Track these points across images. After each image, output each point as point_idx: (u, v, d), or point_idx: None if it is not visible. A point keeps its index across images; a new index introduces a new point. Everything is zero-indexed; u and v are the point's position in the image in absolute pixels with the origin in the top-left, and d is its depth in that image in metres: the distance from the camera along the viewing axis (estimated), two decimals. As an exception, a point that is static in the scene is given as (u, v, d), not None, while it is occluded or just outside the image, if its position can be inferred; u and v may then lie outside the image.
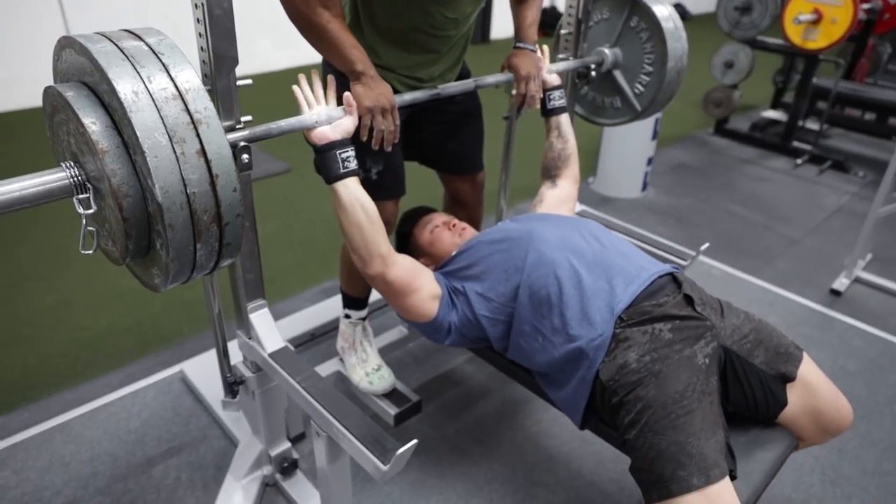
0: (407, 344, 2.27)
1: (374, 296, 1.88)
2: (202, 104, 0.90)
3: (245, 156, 1.19)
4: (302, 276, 2.74)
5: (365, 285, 1.81)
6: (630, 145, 3.58)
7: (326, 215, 3.16)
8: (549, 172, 1.74)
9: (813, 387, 1.29)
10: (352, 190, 1.27)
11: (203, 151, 0.89)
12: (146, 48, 0.90)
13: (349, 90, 1.30)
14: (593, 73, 1.92)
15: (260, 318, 1.48)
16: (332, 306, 2.34)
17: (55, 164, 0.96)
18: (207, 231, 0.93)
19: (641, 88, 1.87)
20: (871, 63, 5.56)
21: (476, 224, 1.94)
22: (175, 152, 0.86)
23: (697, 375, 1.17)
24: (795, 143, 4.55)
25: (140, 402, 2.01)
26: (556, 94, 1.71)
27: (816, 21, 4.03)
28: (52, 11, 4.50)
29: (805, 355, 1.30)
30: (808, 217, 3.65)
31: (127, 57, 0.87)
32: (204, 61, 1.18)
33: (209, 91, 1.20)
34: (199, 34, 1.15)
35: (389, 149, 1.37)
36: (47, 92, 0.92)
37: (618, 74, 1.90)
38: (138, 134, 0.83)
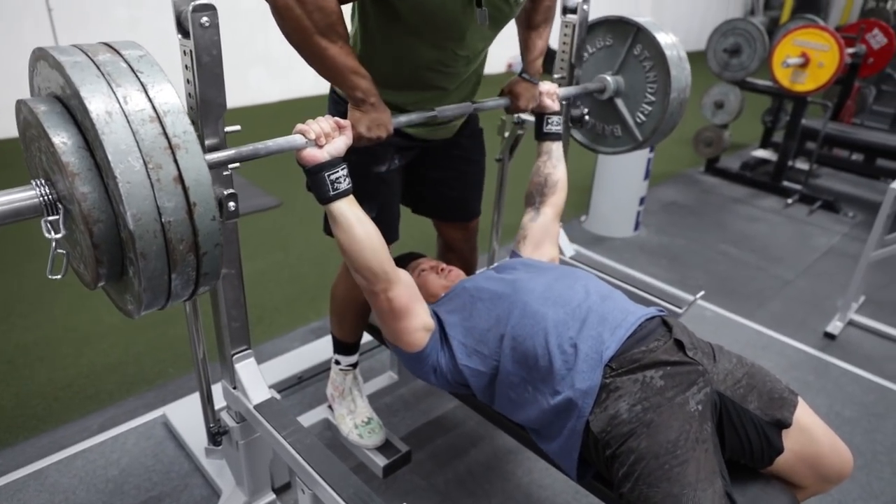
0: (397, 390, 2.22)
1: (364, 338, 1.84)
2: (181, 127, 0.85)
3: (231, 204, 1.16)
4: (290, 316, 2.69)
5: (355, 329, 1.77)
6: (622, 184, 3.59)
7: (316, 252, 3.13)
8: (533, 198, 1.69)
9: (809, 433, 1.25)
10: (344, 210, 1.23)
11: (181, 178, 0.84)
12: (124, 64, 0.85)
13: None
14: (587, 118, 1.92)
15: (245, 367, 1.44)
16: (320, 348, 2.29)
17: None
18: (184, 261, 0.88)
19: (643, 118, 1.84)
20: (857, 105, 5.66)
21: (470, 270, 1.91)
22: (150, 178, 0.81)
23: (690, 423, 1.13)
24: (785, 183, 4.59)
25: (120, 449, 1.94)
26: (555, 119, 1.69)
27: (804, 65, 4.10)
28: (43, 33, 4.50)
29: (800, 400, 1.27)
30: (799, 258, 3.66)
31: (102, 73, 0.83)
32: (192, 107, 1.16)
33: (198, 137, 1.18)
34: (188, 80, 1.14)
35: None
36: (19, 106, 0.89)
37: (619, 102, 1.86)
38: (110, 157, 0.79)
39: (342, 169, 1.22)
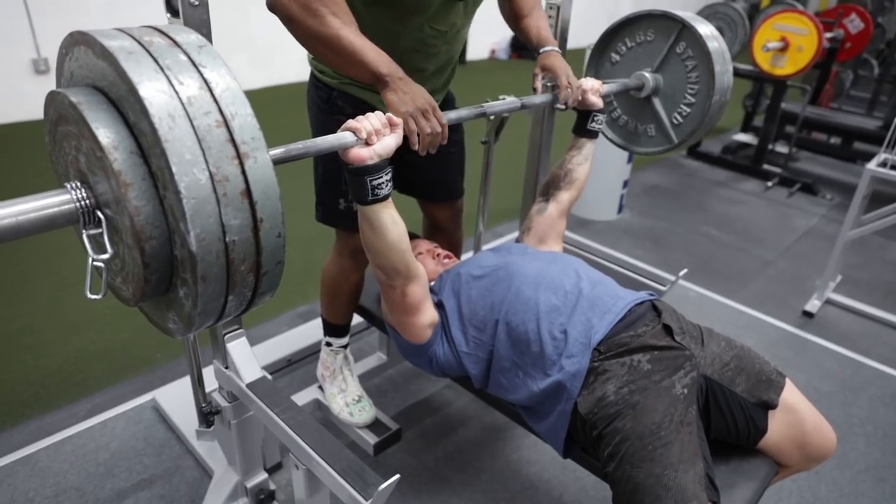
0: (386, 370, 2.24)
1: (355, 320, 1.86)
2: (249, 133, 0.73)
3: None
4: (277, 300, 2.70)
5: (346, 312, 1.79)
6: (606, 168, 3.62)
7: (302, 237, 3.13)
8: (548, 189, 1.69)
9: (796, 413, 1.29)
10: (381, 214, 1.17)
11: (248, 192, 0.73)
12: (183, 57, 0.73)
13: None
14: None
15: (237, 346, 1.44)
16: (308, 331, 2.30)
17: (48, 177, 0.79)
18: (243, 281, 0.78)
19: (680, 119, 1.73)
20: (835, 89, 5.76)
21: (456, 248, 1.93)
22: (216, 192, 0.70)
23: (675, 406, 1.16)
24: (766, 166, 4.66)
25: (109, 433, 1.94)
26: (600, 117, 1.63)
27: (784, 49, 4.16)
28: (18, 19, 4.43)
29: (788, 382, 1.31)
30: (779, 239, 3.73)
31: (161, 67, 0.70)
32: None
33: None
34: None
35: (434, 152, 1.26)
36: (54, 98, 0.77)
37: (656, 101, 1.75)
38: (174, 168, 0.67)
39: (386, 174, 1.13)
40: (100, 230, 0.76)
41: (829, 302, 2.99)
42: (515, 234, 2.51)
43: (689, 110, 1.70)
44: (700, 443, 1.17)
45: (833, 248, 2.87)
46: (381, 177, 1.12)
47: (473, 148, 1.99)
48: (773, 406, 1.27)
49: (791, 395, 1.30)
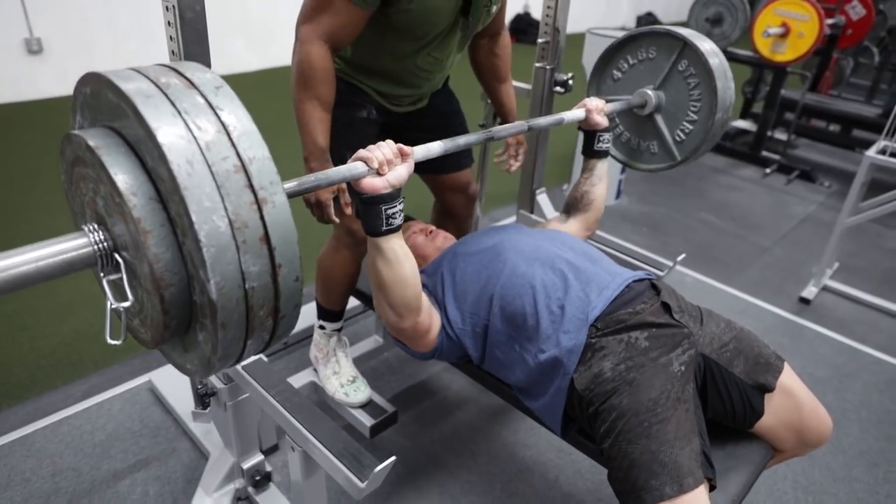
0: (382, 353, 2.24)
1: (350, 303, 1.85)
2: (268, 177, 0.72)
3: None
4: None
5: (342, 299, 1.78)
6: (604, 153, 3.60)
7: (297, 221, 3.11)
8: (566, 208, 1.72)
9: (793, 397, 1.29)
10: (395, 245, 1.15)
11: (267, 237, 0.72)
12: (200, 99, 0.72)
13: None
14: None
15: (233, 328, 1.44)
16: (304, 314, 2.29)
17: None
18: (262, 326, 0.78)
19: (683, 136, 1.73)
20: (835, 76, 5.73)
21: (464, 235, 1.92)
22: (235, 240, 0.69)
23: (672, 383, 1.16)
24: (764, 153, 4.65)
25: (106, 414, 1.94)
26: (606, 136, 1.63)
27: (784, 35, 4.13)
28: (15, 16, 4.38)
29: (786, 366, 1.31)
30: (777, 226, 3.73)
31: (179, 111, 0.69)
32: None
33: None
34: (171, 37, 1.12)
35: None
36: (71, 140, 0.76)
37: (659, 118, 1.75)
38: (194, 217, 0.66)
39: (400, 203, 1.13)
40: (119, 275, 0.75)
41: (825, 289, 2.99)
42: (513, 219, 2.51)
43: (691, 127, 1.70)
44: (697, 420, 1.17)
45: (830, 235, 2.87)
46: (396, 206, 1.11)
47: (472, 131, 1.98)
48: (770, 389, 1.27)
49: (789, 379, 1.30)
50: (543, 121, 1.48)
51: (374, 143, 1.51)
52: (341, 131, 1.39)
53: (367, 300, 1.85)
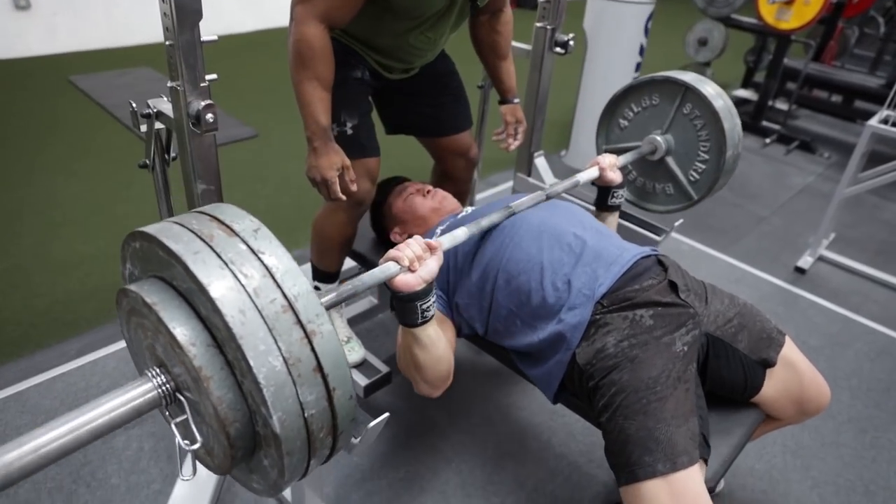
0: (377, 314, 2.23)
1: (346, 265, 1.84)
2: (314, 310, 0.76)
3: (209, 116, 1.14)
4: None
5: (337, 260, 1.77)
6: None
7: (293, 183, 3.09)
8: None
9: (794, 369, 1.30)
10: (430, 332, 1.17)
11: (319, 367, 0.76)
12: (243, 246, 0.76)
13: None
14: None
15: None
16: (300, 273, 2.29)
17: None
18: (322, 445, 0.81)
19: (697, 176, 1.74)
20: (839, 46, 5.64)
21: (462, 199, 1.90)
22: (291, 375, 0.73)
23: (674, 362, 1.16)
24: (765, 123, 4.60)
25: (100, 372, 1.94)
26: (620, 192, 1.63)
27: (790, 2, 4.05)
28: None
29: (787, 339, 1.31)
30: (775, 196, 3.71)
31: (225, 263, 0.73)
32: (165, 14, 1.11)
33: (170, 46, 1.13)
34: (163, -4, 1.09)
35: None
36: (127, 294, 0.80)
37: (670, 161, 1.76)
38: (251, 361, 0.70)
39: (433, 295, 1.15)
40: (185, 416, 0.79)
41: (821, 259, 2.99)
42: (510, 184, 2.48)
43: (704, 166, 1.71)
44: (696, 400, 1.17)
45: (828, 206, 2.86)
46: (430, 299, 1.13)
47: (469, 94, 1.95)
48: (772, 364, 1.28)
49: (790, 351, 1.31)
50: (560, 186, 1.49)
51: (366, 104, 1.51)
52: (335, 91, 1.37)
53: (362, 261, 1.84)
